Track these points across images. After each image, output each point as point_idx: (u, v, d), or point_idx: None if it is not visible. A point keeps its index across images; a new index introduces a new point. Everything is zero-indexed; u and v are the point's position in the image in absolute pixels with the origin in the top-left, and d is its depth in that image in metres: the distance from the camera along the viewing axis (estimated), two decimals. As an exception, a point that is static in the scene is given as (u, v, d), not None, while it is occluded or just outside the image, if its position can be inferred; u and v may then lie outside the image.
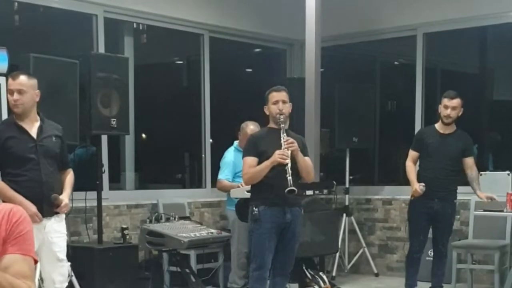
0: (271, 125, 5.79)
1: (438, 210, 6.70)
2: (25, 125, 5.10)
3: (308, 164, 5.77)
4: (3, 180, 5.06)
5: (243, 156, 5.76)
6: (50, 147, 5.18)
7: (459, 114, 6.75)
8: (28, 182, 5.04)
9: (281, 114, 5.64)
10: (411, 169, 6.83)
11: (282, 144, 5.56)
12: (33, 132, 5.11)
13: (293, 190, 5.42)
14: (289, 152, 5.52)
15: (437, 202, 6.68)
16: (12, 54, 5.89)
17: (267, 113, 5.79)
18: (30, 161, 5.06)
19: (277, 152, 5.52)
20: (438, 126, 6.84)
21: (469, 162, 6.78)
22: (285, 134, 5.61)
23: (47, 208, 5.10)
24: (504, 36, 8.46)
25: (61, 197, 5.16)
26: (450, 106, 6.68)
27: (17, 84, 5.06)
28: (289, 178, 5.46)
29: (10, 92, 5.08)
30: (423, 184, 6.65)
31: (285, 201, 5.59)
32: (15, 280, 2.28)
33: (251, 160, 5.66)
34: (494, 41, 8.98)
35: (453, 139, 6.77)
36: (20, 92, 5.04)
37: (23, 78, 5.08)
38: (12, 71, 5.85)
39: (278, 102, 5.67)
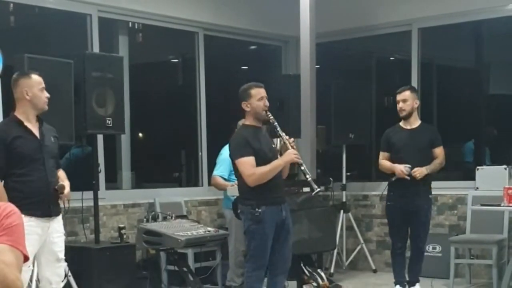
0: (252, 122, 5.57)
1: (414, 207, 6.66)
2: (28, 125, 5.10)
3: None
4: (8, 180, 5.02)
5: (237, 157, 5.46)
6: (52, 147, 5.21)
7: (415, 106, 6.78)
8: (35, 183, 5.04)
9: (267, 111, 5.51)
10: (384, 161, 6.81)
11: (286, 142, 5.50)
12: (36, 133, 5.12)
13: (320, 190, 5.49)
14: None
15: (412, 199, 6.66)
16: (6, 54, 5.88)
17: (247, 109, 5.53)
18: (36, 161, 5.07)
19: (292, 151, 5.43)
20: (401, 123, 6.86)
21: (437, 151, 6.75)
22: (284, 133, 5.57)
23: (54, 207, 5.13)
24: (500, 30, 8.46)
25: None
26: (400, 100, 6.75)
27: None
28: (310, 179, 5.46)
29: (43, 89, 5.13)
30: (409, 165, 6.59)
31: (281, 198, 5.59)
32: (5, 267, 2.27)
33: (251, 159, 5.41)
34: (489, 35, 8.97)
35: (418, 133, 6.78)
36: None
37: None
38: (7, 71, 5.85)
39: (263, 99, 5.52)
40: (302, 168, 5.48)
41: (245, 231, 5.61)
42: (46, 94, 5.14)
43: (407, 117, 6.76)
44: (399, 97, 6.77)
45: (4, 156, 5.00)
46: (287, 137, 5.56)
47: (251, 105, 5.52)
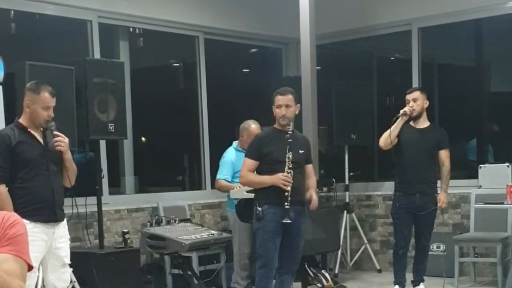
0: (277, 126, 5.80)
1: (420, 205, 6.68)
2: (32, 131, 5.12)
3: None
4: (12, 186, 5.04)
5: (245, 156, 5.84)
6: (54, 153, 5.20)
7: (425, 106, 6.80)
8: (39, 188, 5.06)
9: (284, 119, 5.68)
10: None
11: (286, 162, 5.60)
12: (40, 138, 5.14)
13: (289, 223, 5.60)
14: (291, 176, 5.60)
15: (418, 197, 6.68)
16: (7, 62, 5.88)
17: (274, 113, 5.77)
18: (40, 166, 5.08)
19: (281, 176, 5.58)
20: (411, 122, 6.86)
21: (443, 154, 6.78)
22: (290, 153, 5.62)
23: (59, 212, 5.15)
24: (500, 28, 8.45)
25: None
26: (410, 99, 6.76)
27: (54, 102, 5.11)
28: (287, 207, 5.55)
29: (47, 108, 5.07)
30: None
31: (289, 201, 5.61)
32: (8, 277, 2.28)
33: (252, 163, 5.73)
34: (489, 33, 8.97)
35: (427, 133, 6.80)
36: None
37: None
38: (8, 79, 5.85)
39: (281, 107, 5.67)
40: (286, 194, 5.57)
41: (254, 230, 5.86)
42: (50, 114, 5.08)
43: (416, 118, 6.77)
44: (409, 96, 6.77)
45: (9, 160, 5.01)
46: (290, 157, 5.62)
47: (274, 111, 5.76)
